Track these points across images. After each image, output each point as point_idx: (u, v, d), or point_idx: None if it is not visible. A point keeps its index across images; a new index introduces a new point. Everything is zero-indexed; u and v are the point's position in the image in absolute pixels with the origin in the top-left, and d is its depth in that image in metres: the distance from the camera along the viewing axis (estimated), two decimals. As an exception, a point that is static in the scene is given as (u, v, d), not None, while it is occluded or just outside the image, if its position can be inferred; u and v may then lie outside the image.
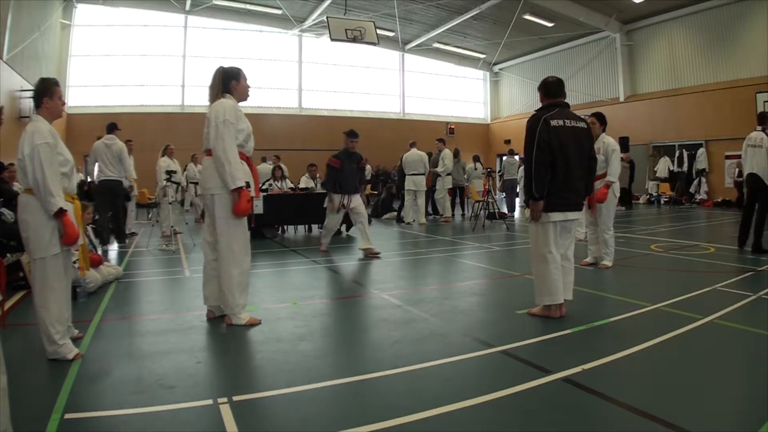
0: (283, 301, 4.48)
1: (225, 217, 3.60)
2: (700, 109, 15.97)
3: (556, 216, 3.66)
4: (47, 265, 2.96)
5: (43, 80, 3.16)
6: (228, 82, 3.73)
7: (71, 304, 3.32)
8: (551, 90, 3.79)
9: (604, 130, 5.80)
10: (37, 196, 2.90)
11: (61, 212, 2.90)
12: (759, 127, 6.49)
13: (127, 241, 8.40)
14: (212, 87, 3.76)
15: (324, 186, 7.48)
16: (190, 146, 11.85)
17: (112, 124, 8.14)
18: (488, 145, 24.74)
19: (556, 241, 3.71)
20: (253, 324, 3.67)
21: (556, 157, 3.58)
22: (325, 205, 7.31)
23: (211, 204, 3.65)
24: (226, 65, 3.83)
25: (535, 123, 3.63)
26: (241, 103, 3.79)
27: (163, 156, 9.41)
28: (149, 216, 11.12)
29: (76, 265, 3.67)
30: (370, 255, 6.79)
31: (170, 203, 8.36)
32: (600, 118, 5.88)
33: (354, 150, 7.06)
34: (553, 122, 3.59)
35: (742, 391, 2.61)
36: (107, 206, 7.77)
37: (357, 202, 7.02)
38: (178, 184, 9.37)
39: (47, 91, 3.10)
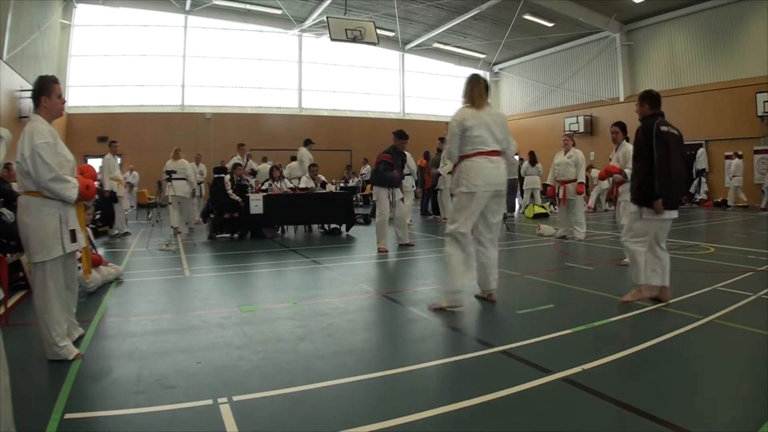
0: (283, 301, 4.48)
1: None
2: (700, 109, 15.94)
3: (673, 213, 4.00)
4: (47, 269, 2.91)
5: (41, 78, 3.05)
6: None
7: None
8: (657, 101, 4.18)
9: (626, 139, 5.99)
10: (49, 192, 2.84)
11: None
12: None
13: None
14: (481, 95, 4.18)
15: (377, 177, 7.49)
16: (188, 146, 11.82)
17: (240, 144, 10.71)
18: (488, 145, 24.69)
19: (662, 236, 4.04)
20: None
21: (669, 160, 3.88)
22: (374, 198, 7.71)
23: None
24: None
25: (650, 129, 3.95)
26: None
27: (178, 158, 9.33)
28: (149, 216, 11.12)
29: (80, 269, 3.65)
30: (405, 245, 7.62)
31: (177, 202, 8.44)
32: (622, 127, 6.09)
33: (402, 150, 7.58)
34: (663, 128, 3.94)
35: (742, 391, 2.61)
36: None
37: (401, 195, 7.65)
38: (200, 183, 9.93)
39: (45, 90, 3.00)
